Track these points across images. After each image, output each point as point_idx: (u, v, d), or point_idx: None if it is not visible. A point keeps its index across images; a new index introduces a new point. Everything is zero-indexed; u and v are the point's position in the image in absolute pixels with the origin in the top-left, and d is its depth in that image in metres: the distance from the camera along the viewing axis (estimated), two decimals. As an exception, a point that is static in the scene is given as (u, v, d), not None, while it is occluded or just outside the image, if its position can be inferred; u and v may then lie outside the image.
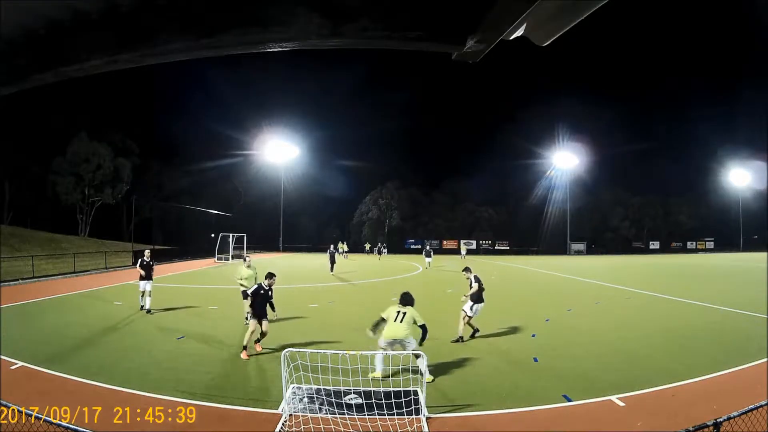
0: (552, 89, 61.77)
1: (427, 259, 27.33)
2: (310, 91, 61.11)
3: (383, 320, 6.20)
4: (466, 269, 8.76)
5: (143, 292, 10.94)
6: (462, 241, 50.28)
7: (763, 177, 50.83)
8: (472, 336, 8.27)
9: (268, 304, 7.42)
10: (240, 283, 9.49)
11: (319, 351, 4.77)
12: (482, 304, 8.27)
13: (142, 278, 10.98)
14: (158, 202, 43.92)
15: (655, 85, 65.59)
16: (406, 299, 6.35)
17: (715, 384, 5.82)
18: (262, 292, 7.34)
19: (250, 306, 7.25)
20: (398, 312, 6.16)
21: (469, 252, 41.03)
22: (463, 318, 8.17)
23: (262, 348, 7.37)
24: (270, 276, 7.63)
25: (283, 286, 17.33)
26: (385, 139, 57.27)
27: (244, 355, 6.94)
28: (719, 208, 56.91)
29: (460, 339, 8.06)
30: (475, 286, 8.27)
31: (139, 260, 11.38)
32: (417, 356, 5.85)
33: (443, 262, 31.42)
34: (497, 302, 13.61)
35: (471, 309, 8.16)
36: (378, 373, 5.97)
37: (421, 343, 6.13)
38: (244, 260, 9.96)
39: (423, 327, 6.17)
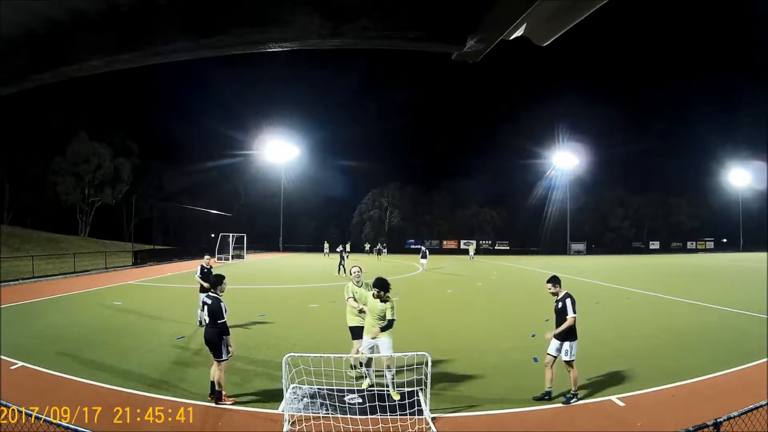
0: (552, 89, 61.69)
1: (423, 261, 25.46)
2: (310, 91, 61.15)
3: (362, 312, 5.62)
4: (553, 280, 5.47)
5: (203, 305, 9.32)
6: (463, 241, 50.29)
7: (763, 177, 50.89)
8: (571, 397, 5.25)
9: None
10: (350, 304, 5.93)
11: (321, 355, 4.72)
12: (576, 341, 5.26)
13: (202, 289, 8.93)
14: (158, 202, 43.92)
15: (655, 84, 65.70)
16: (384, 284, 5.40)
17: (715, 384, 5.83)
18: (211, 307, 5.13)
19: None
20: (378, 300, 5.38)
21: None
22: (552, 364, 5.31)
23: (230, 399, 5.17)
24: (220, 280, 5.39)
25: (283, 286, 17.35)
26: (385, 139, 57.44)
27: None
28: (719, 208, 56.95)
29: (547, 395, 5.26)
30: (571, 315, 5.18)
31: (199, 267, 9.38)
32: (389, 366, 5.28)
33: (443, 263, 31.37)
34: (497, 302, 13.61)
35: (564, 350, 5.21)
36: (369, 381, 5.62)
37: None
38: (351, 273, 6.15)
39: (391, 322, 5.38)
